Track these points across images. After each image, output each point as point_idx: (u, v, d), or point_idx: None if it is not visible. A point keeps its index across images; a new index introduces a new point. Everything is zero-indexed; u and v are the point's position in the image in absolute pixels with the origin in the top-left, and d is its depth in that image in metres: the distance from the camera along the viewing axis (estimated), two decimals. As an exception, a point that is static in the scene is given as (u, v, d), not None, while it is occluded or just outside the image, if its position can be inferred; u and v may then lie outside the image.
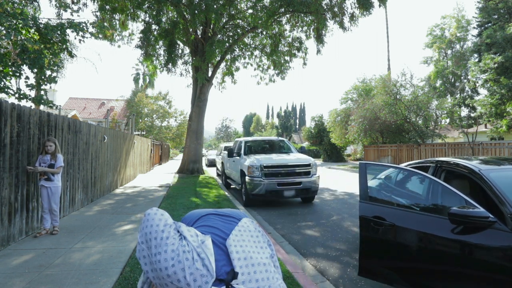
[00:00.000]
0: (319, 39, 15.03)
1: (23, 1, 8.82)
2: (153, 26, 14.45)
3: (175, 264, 1.29)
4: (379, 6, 14.54)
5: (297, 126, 74.37)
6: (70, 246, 4.36)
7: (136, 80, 46.88)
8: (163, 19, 14.72)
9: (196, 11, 12.55)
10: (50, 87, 8.79)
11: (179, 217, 5.95)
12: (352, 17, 14.47)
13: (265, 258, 1.46)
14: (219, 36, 15.90)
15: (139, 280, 1.66)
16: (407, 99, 20.59)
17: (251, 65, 18.35)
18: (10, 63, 6.43)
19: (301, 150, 10.74)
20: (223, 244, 1.47)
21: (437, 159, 3.66)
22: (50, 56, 7.35)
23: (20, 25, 6.23)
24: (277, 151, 9.87)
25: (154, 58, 16.81)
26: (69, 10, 9.07)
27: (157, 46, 16.33)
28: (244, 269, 1.36)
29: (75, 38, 7.34)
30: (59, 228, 5.19)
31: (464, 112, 28.15)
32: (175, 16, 15.29)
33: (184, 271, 1.27)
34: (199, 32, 16.01)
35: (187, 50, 17.49)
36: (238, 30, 16.48)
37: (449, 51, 33.85)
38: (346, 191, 10.69)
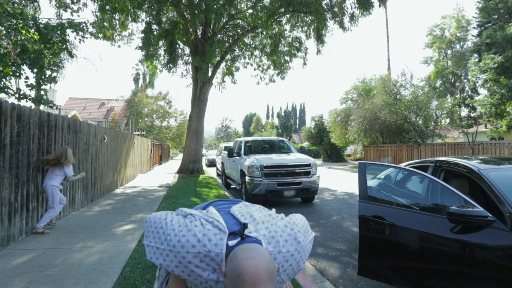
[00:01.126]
0: (319, 39, 15.03)
1: (23, 1, 8.83)
2: (153, 26, 14.45)
3: (186, 234, 1.31)
4: (379, 6, 14.55)
5: (297, 126, 74.38)
6: (70, 246, 4.36)
7: (136, 80, 46.89)
8: (163, 19, 14.73)
9: (196, 11, 12.55)
10: (50, 87, 8.77)
11: (179, 217, 5.95)
12: (352, 17, 14.47)
13: (271, 213, 1.52)
14: (219, 36, 15.90)
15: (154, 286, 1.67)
16: (407, 99, 20.59)
17: (251, 65, 18.36)
18: (10, 63, 6.43)
19: (301, 150, 10.75)
20: (228, 211, 1.53)
21: (436, 158, 3.67)
22: (50, 56, 7.35)
23: (20, 25, 6.23)
24: (277, 151, 9.87)
25: (154, 58, 16.81)
26: (69, 10, 9.08)
27: (158, 46, 16.34)
28: (253, 222, 1.40)
29: (75, 38, 7.34)
30: (60, 227, 5.20)
31: (464, 112, 28.16)
32: (175, 16, 15.30)
33: (196, 236, 1.29)
34: (199, 32, 16.01)
35: (187, 50, 17.50)
36: (238, 30, 16.48)
37: (449, 51, 33.84)
38: (346, 191, 10.69)
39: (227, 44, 15.53)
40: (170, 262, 1.30)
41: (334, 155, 31.78)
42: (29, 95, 6.57)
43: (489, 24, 24.24)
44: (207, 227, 1.33)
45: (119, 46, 16.64)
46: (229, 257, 1.16)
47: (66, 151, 5.09)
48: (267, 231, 1.36)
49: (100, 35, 12.67)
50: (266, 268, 1.01)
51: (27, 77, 6.73)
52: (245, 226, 1.34)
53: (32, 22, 6.44)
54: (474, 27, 30.12)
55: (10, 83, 6.49)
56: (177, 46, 16.15)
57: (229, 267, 1.07)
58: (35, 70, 6.56)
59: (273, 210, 1.59)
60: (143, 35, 14.45)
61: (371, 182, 3.76)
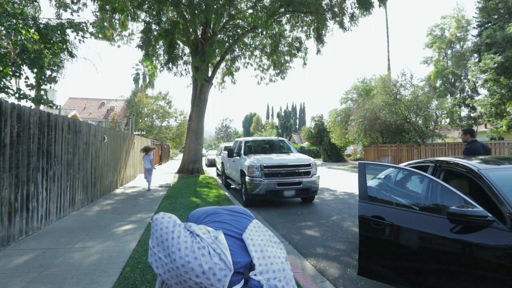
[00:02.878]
0: (319, 39, 15.03)
1: (23, 1, 8.83)
2: (153, 26, 14.46)
3: (191, 261, 1.29)
4: (379, 6, 14.55)
5: (297, 126, 74.38)
6: (70, 246, 4.36)
7: (136, 80, 46.88)
8: (163, 19, 14.73)
9: (196, 11, 12.55)
10: (50, 87, 8.78)
11: (179, 217, 5.95)
12: (352, 17, 14.47)
13: (280, 253, 1.49)
14: (219, 36, 15.90)
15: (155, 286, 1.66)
16: (407, 99, 20.59)
17: (251, 65, 18.36)
18: (10, 63, 6.43)
19: (301, 150, 10.74)
20: (238, 237, 1.49)
21: (436, 158, 3.67)
22: (50, 56, 7.36)
23: (20, 25, 6.23)
24: (277, 151, 9.87)
25: (154, 58, 16.81)
26: (69, 10, 9.08)
27: (157, 46, 16.34)
28: (262, 261, 1.39)
29: (75, 38, 7.35)
30: (60, 227, 5.20)
31: (464, 112, 28.16)
32: (175, 16, 15.29)
33: (202, 267, 1.28)
34: (199, 32, 16.01)
35: (187, 50, 17.50)
36: (238, 30, 16.48)
37: (449, 51, 33.84)
38: (346, 191, 10.69)
39: (227, 44, 15.52)
40: (170, 278, 1.31)
41: (334, 155, 31.78)
42: (29, 95, 6.58)
43: (489, 24, 24.24)
44: (214, 260, 1.32)
45: (119, 46, 16.65)
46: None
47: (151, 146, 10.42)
48: (273, 276, 1.37)
49: (100, 35, 12.66)
50: None
51: (27, 77, 6.73)
52: (251, 267, 1.36)
53: (32, 22, 6.44)
54: (474, 27, 30.11)
55: (10, 83, 6.49)
56: (177, 46, 16.16)
57: None
58: (35, 70, 6.57)
59: (282, 247, 1.57)
60: (142, 35, 14.46)
61: (371, 182, 3.76)
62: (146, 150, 10.15)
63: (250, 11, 15.40)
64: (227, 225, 1.58)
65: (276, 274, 1.38)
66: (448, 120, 22.67)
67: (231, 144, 15.75)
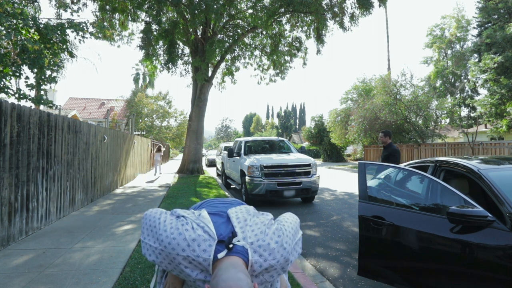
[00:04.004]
0: (319, 39, 15.03)
1: (23, 1, 8.83)
2: (153, 26, 14.45)
3: (176, 237, 1.36)
4: (379, 6, 14.54)
5: (297, 126, 74.38)
6: (70, 246, 4.36)
7: (136, 80, 46.88)
8: (163, 19, 14.73)
9: (196, 11, 12.55)
10: (50, 87, 8.78)
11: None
12: (352, 17, 14.47)
13: (263, 218, 1.53)
14: (219, 36, 15.90)
15: (151, 282, 1.72)
16: (407, 99, 20.59)
17: (251, 65, 18.36)
18: (10, 63, 6.43)
19: (301, 150, 10.75)
20: (223, 214, 1.57)
21: (436, 158, 3.67)
22: (50, 56, 7.35)
23: (20, 25, 6.23)
24: (277, 151, 9.87)
25: (154, 58, 16.81)
26: (69, 10, 9.10)
27: (157, 46, 16.33)
28: (244, 228, 1.45)
29: (75, 38, 7.34)
30: (60, 227, 5.20)
31: (464, 112, 28.16)
32: (175, 16, 15.29)
33: (186, 240, 1.35)
34: (199, 32, 16.01)
35: (187, 50, 17.49)
36: (238, 30, 16.48)
37: (449, 51, 33.84)
38: (346, 191, 10.69)
39: (227, 44, 15.52)
40: (162, 260, 1.38)
41: (334, 155, 31.78)
42: (29, 95, 6.57)
43: (489, 24, 24.24)
44: (198, 232, 1.38)
45: (119, 46, 16.66)
46: (213, 270, 1.27)
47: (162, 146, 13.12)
48: (256, 238, 1.40)
49: (100, 35, 12.65)
50: None
51: (27, 77, 6.73)
52: (234, 234, 1.41)
53: (32, 22, 6.44)
54: (474, 27, 30.11)
55: (10, 83, 6.49)
56: (177, 46, 16.15)
57: (211, 286, 1.18)
58: (35, 70, 6.57)
59: (270, 215, 1.59)
60: (142, 35, 14.46)
61: (371, 182, 3.76)
62: (159, 149, 15.71)
63: (250, 11, 15.40)
64: (213, 208, 1.66)
65: (258, 236, 1.41)
66: (448, 120, 22.66)
67: (231, 144, 15.75)
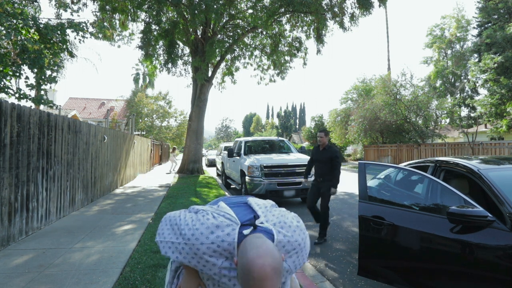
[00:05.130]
0: (319, 39, 15.02)
1: (23, 1, 8.83)
2: (153, 26, 14.44)
3: (199, 227, 1.39)
4: (379, 6, 14.54)
5: (297, 126, 74.37)
6: (70, 246, 4.36)
7: (136, 80, 46.90)
8: (163, 19, 14.72)
9: (196, 11, 12.54)
10: (50, 87, 8.78)
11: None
12: (352, 17, 14.47)
13: (281, 209, 1.60)
14: (219, 36, 15.90)
15: (165, 281, 1.74)
16: (407, 99, 20.59)
17: (251, 65, 18.35)
18: (10, 63, 6.43)
19: (301, 150, 10.75)
20: (242, 203, 1.62)
21: (436, 158, 3.67)
22: (50, 56, 7.36)
23: (20, 25, 6.23)
24: (277, 151, 9.87)
25: (154, 58, 16.80)
26: (69, 10, 9.10)
27: (157, 46, 16.33)
28: (265, 212, 1.51)
29: (75, 38, 7.35)
30: (60, 227, 5.20)
31: (464, 112, 28.16)
32: (175, 16, 15.29)
33: (209, 227, 1.37)
34: (199, 32, 16.01)
35: (187, 50, 17.49)
36: (238, 30, 16.47)
37: (449, 51, 33.84)
38: (346, 191, 10.69)
39: (227, 44, 15.52)
40: (186, 255, 1.38)
41: (334, 155, 31.71)
42: (29, 95, 6.57)
43: (489, 24, 24.24)
44: (219, 219, 1.41)
45: (119, 46, 16.65)
46: (239, 249, 1.26)
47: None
48: (277, 220, 1.46)
49: (100, 35, 12.70)
50: (273, 265, 1.13)
51: (27, 77, 6.73)
52: (255, 217, 1.45)
53: (32, 22, 6.44)
54: (474, 27, 30.12)
55: (10, 83, 6.49)
56: (177, 46, 16.15)
57: (240, 262, 1.19)
58: (35, 70, 6.57)
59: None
60: (142, 35, 14.46)
61: (371, 182, 3.76)
62: (174, 149, 19.04)
63: (250, 11, 15.39)
64: (230, 200, 1.72)
65: (279, 218, 1.47)
66: (448, 120, 22.67)
67: (231, 144, 15.75)
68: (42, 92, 6.85)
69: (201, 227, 1.38)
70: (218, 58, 15.74)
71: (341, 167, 5.88)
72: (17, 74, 6.47)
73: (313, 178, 5.59)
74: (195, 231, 1.37)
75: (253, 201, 1.60)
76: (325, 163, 5.26)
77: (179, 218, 1.47)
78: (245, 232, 1.35)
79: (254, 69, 18.53)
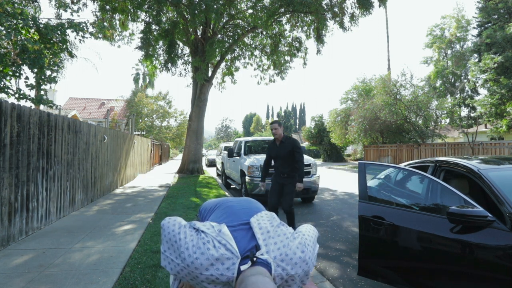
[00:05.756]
0: (319, 39, 15.03)
1: (23, 1, 8.83)
2: (153, 26, 14.45)
3: (199, 257, 1.36)
4: (379, 6, 14.55)
5: (297, 126, 74.38)
6: (70, 246, 4.36)
7: (136, 80, 46.90)
8: (163, 19, 14.73)
9: (196, 11, 12.54)
10: (50, 87, 8.79)
11: (179, 217, 5.94)
12: (352, 17, 14.47)
13: (286, 231, 1.55)
14: (219, 36, 15.90)
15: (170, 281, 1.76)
16: (407, 99, 20.59)
17: (251, 65, 18.35)
18: (10, 63, 6.43)
19: (301, 150, 10.73)
20: (244, 223, 1.57)
21: (436, 158, 3.67)
22: (50, 56, 7.36)
23: (20, 25, 6.23)
24: (277, 151, 9.86)
25: (154, 58, 16.80)
26: (69, 10, 9.09)
27: (157, 46, 16.33)
28: (267, 240, 1.46)
29: (75, 38, 7.35)
30: (60, 227, 5.20)
31: (464, 112, 28.17)
32: (175, 16, 15.29)
33: (209, 259, 1.36)
34: (199, 32, 16.01)
35: (187, 50, 17.49)
36: (238, 30, 16.47)
37: (449, 51, 33.85)
38: (346, 191, 10.69)
39: (227, 44, 15.52)
40: (184, 276, 1.40)
41: (334, 155, 31.78)
42: (29, 95, 6.57)
43: (489, 24, 24.24)
44: (220, 251, 1.38)
45: (119, 46, 16.65)
46: (238, 281, 1.30)
47: None
48: (279, 252, 1.42)
49: (100, 35, 12.67)
50: None
51: (27, 77, 6.73)
52: (257, 248, 1.43)
53: (32, 22, 6.44)
54: (474, 27, 30.12)
55: (10, 83, 6.49)
56: (177, 46, 16.15)
57: None
58: (35, 70, 6.57)
59: (291, 229, 1.60)
60: (142, 35, 14.46)
61: (371, 182, 3.76)
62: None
63: (250, 11, 15.39)
64: (233, 216, 1.66)
65: (281, 250, 1.43)
66: (448, 120, 22.67)
67: (231, 144, 15.75)
68: (42, 92, 6.86)
69: (201, 257, 1.36)
70: (218, 58, 15.74)
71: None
72: (17, 74, 6.47)
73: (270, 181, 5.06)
74: (195, 260, 1.35)
75: (256, 223, 1.55)
76: (285, 158, 4.74)
77: (178, 237, 1.43)
78: (243, 267, 1.35)
79: (254, 69, 18.54)
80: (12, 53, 7.25)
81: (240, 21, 16.47)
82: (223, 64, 17.91)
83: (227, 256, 1.37)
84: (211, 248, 1.38)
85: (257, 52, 17.99)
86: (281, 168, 4.84)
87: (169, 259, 1.42)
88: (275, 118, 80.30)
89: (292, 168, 4.77)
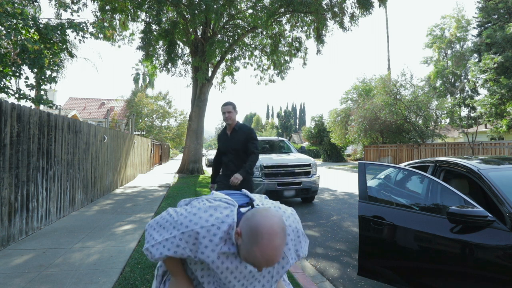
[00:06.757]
0: (319, 39, 15.03)
1: (23, 1, 8.83)
2: (153, 26, 14.45)
3: (196, 212, 1.36)
4: (379, 6, 14.55)
5: (297, 126, 74.41)
6: (70, 246, 4.36)
7: (136, 80, 46.93)
8: (163, 19, 14.72)
9: (196, 11, 12.55)
10: (50, 87, 8.79)
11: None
12: (352, 17, 14.48)
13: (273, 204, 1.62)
14: (219, 36, 15.90)
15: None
16: (407, 99, 20.60)
17: (251, 65, 18.36)
18: (10, 63, 6.43)
19: (301, 150, 10.75)
20: (236, 192, 1.64)
21: (436, 158, 3.67)
22: (50, 56, 7.35)
23: (20, 25, 6.23)
24: (277, 151, 9.86)
25: (154, 58, 16.81)
26: (69, 10, 9.09)
27: (157, 46, 16.33)
28: (259, 198, 1.55)
29: (75, 38, 7.34)
30: (60, 227, 5.20)
31: (464, 112, 28.17)
32: (175, 16, 15.29)
33: (207, 211, 1.35)
34: (199, 32, 16.01)
35: (187, 50, 17.49)
36: (238, 30, 16.48)
37: (449, 51, 33.85)
38: (346, 191, 10.69)
39: (227, 44, 15.53)
40: (185, 245, 1.32)
41: (334, 155, 31.78)
42: (29, 95, 6.57)
43: (489, 24, 24.24)
44: (216, 202, 1.40)
45: (119, 46, 16.64)
46: (243, 218, 1.27)
47: None
48: (273, 205, 1.51)
49: (100, 35, 12.67)
50: (280, 224, 1.20)
51: (27, 77, 6.73)
52: (251, 200, 1.49)
53: (32, 22, 6.44)
54: (474, 27, 30.13)
55: (10, 83, 6.49)
56: (177, 46, 16.15)
57: (246, 225, 1.21)
58: (35, 70, 6.56)
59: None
60: (143, 35, 14.46)
61: (371, 182, 3.76)
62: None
63: (250, 11, 15.40)
64: (222, 192, 1.72)
65: (275, 204, 1.52)
66: (448, 120, 22.68)
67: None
68: (42, 92, 6.85)
69: (199, 211, 1.35)
70: (218, 58, 15.74)
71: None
72: (17, 74, 6.47)
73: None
74: (193, 217, 1.33)
75: (247, 191, 1.62)
76: (238, 152, 3.70)
77: (169, 215, 1.41)
78: (243, 210, 1.36)
79: (254, 69, 18.55)
80: (12, 53, 7.25)
81: (240, 21, 16.47)
82: (223, 64, 17.92)
83: (224, 205, 1.37)
84: (206, 203, 1.40)
85: (257, 52, 18.00)
86: (232, 165, 3.77)
87: (163, 241, 1.34)
88: (275, 118, 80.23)
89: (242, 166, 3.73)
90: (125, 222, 5.76)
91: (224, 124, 3.88)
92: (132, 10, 14.22)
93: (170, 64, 15.74)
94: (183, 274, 1.49)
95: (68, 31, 7.11)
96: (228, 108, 3.68)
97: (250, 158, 3.67)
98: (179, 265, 1.49)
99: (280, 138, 10.71)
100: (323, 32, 14.96)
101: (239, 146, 3.68)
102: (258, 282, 1.40)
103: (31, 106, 5.45)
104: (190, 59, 17.20)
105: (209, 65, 15.81)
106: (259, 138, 10.90)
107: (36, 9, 10.23)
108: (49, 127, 5.48)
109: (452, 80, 32.83)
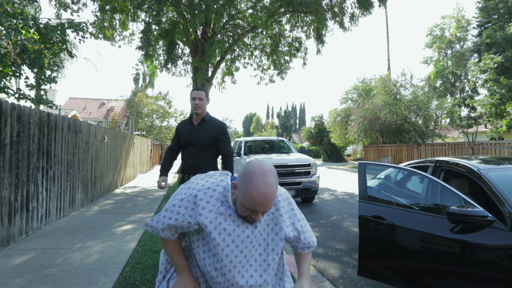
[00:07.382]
0: (319, 39, 15.02)
1: (23, 1, 8.83)
2: (153, 26, 14.43)
3: (194, 181, 1.54)
4: (379, 6, 14.54)
5: (297, 126, 74.41)
6: (70, 246, 4.36)
7: (136, 80, 46.90)
8: (163, 19, 14.71)
9: (196, 11, 12.54)
10: (50, 87, 8.80)
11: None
12: (352, 17, 14.47)
13: None
14: (219, 36, 15.90)
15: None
16: (407, 99, 20.59)
17: (251, 65, 18.34)
18: (10, 63, 6.43)
19: (301, 150, 10.75)
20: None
21: (436, 158, 3.67)
22: (50, 56, 7.35)
23: (20, 25, 6.23)
24: (277, 151, 9.86)
25: (154, 58, 16.79)
26: (69, 10, 9.09)
27: (157, 46, 16.32)
28: None
29: (75, 38, 7.34)
30: (60, 227, 5.20)
31: (464, 112, 28.16)
32: (175, 16, 15.28)
33: (204, 178, 1.54)
34: (199, 32, 15.99)
35: (187, 50, 17.47)
36: (238, 30, 16.47)
37: (449, 51, 33.85)
38: (346, 191, 10.69)
39: (227, 44, 15.52)
40: (184, 211, 1.43)
41: (334, 155, 31.77)
42: (29, 95, 6.57)
43: (489, 24, 24.24)
44: (211, 173, 1.59)
45: (119, 46, 16.63)
46: (238, 174, 1.41)
47: None
48: None
49: (100, 35, 12.67)
50: (271, 167, 1.34)
51: (27, 77, 6.73)
52: None
53: (32, 22, 6.44)
54: (474, 27, 30.13)
55: (10, 83, 6.49)
56: (177, 46, 16.13)
57: (241, 173, 1.36)
58: (35, 70, 6.56)
59: None
60: (142, 35, 14.44)
61: (371, 182, 3.76)
62: None
63: (250, 11, 15.39)
64: None
65: None
66: (448, 120, 22.68)
67: (231, 144, 15.72)
68: (42, 92, 6.85)
69: (195, 180, 1.53)
70: (218, 58, 15.72)
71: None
72: (17, 74, 6.47)
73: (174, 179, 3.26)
74: (191, 185, 1.50)
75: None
76: (203, 147, 3.10)
77: (169, 202, 1.54)
78: (236, 175, 1.49)
79: (254, 69, 18.53)
80: (12, 53, 7.25)
81: (240, 21, 16.46)
82: (223, 64, 17.89)
83: (218, 175, 1.56)
84: (203, 177, 1.55)
85: (257, 52, 17.98)
86: (194, 162, 3.13)
87: (164, 212, 1.47)
88: (275, 118, 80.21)
89: (211, 164, 3.13)
90: (125, 222, 5.76)
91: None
92: (132, 10, 14.20)
93: (170, 64, 15.72)
94: (188, 270, 1.55)
95: (68, 31, 7.11)
96: (200, 94, 3.19)
97: (227, 163, 3.17)
98: (183, 257, 1.55)
99: (280, 138, 10.71)
100: (323, 32, 14.95)
101: (208, 141, 3.09)
102: (255, 251, 1.46)
103: (31, 106, 5.45)
104: (190, 59, 17.18)
105: (209, 65, 15.79)
106: (259, 138, 10.91)
107: (36, 9, 10.23)
108: (49, 127, 5.48)
109: (452, 80, 32.82)
